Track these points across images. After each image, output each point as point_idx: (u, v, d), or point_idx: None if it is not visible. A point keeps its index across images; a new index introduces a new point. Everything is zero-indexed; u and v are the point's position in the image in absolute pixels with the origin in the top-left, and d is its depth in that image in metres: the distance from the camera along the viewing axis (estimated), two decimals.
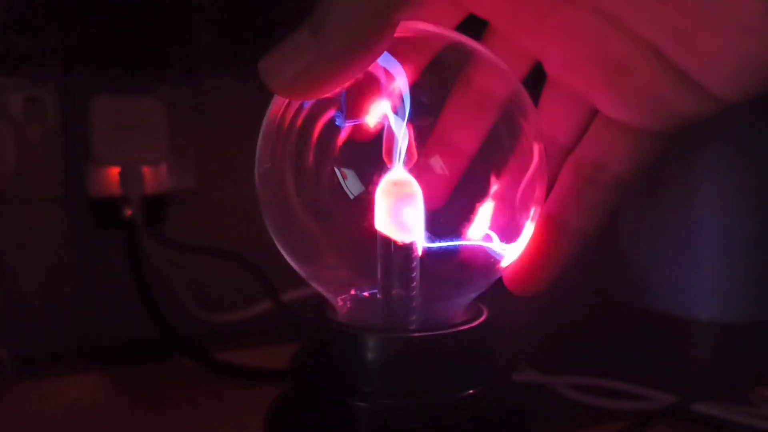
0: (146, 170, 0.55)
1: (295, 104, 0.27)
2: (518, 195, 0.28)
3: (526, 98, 0.28)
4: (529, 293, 0.28)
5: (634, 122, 0.27)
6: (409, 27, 0.26)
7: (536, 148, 0.28)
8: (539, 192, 0.28)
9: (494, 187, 0.27)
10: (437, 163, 0.27)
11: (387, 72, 0.25)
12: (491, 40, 0.29)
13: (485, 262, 0.28)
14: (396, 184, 0.26)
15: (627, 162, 0.28)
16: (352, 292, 0.29)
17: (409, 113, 0.25)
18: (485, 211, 0.27)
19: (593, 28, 0.26)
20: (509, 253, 0.28)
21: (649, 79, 0.26)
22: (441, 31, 0.28)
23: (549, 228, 0.28)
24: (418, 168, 0.26)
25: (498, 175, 0.28)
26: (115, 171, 0.55)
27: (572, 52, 0.27)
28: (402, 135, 0.26)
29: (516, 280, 0.28)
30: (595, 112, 0.28)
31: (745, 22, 0.23)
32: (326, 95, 0.25)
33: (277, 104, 0.27)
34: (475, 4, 0.28)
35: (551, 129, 0.29)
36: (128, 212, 0.55)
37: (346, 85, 0.24)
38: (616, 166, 0.28)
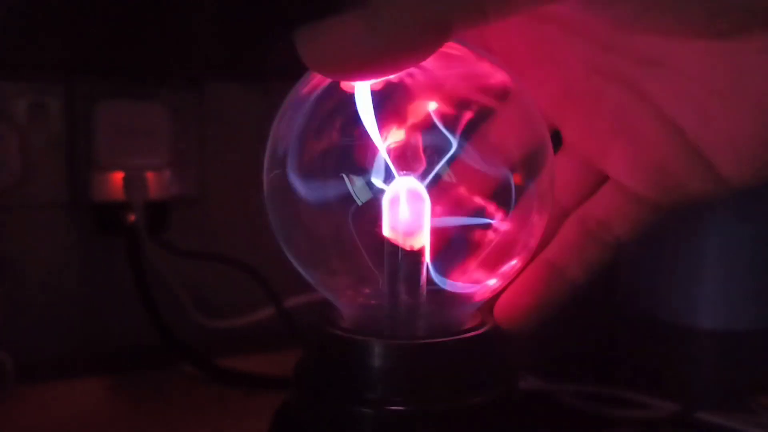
0: (149, 176, 0.55)
1: (304, 111, 0.27)
2: (516, 238, 0.28)
3: (547, 152, 0.28)
4: (516, 329, 0.29)
5: (644, 192, 0.28)
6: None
7: (544, 201, 0.28)
8: (535, 238, 0.28)
9: (496, 226, 0.28)
10: (445, 170, 0.27)
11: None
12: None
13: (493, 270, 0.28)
14: (403, 191, 0.26)
15: (629, 226, 0.29)
16: (359, 298, 0.29)
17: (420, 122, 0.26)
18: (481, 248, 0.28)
19: (617, 101, 0.27)
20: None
21: (665, 155, 0.26)
22: (481, 55, 0.28)
23: (546, 273, 0.29)
24: (427, 175, 0.26)
25: (502, 216, 0.28)
26: (118, 177, 0.55)
27: (593, 122, 0.28)
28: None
29: (506, 314, 0.29)
30: (602, 178, 0.29)
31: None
32: (353, 81, 0.24)
33: (285, 111, 0.27)
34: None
35: (558, 191, 0.29)
36: (131, 218, 0.54)
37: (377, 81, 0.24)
38: (619, 228, 0.29)
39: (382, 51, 0.22)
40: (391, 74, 0.24)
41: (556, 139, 0.30)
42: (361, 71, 0.23)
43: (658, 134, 0.26)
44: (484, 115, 0.28)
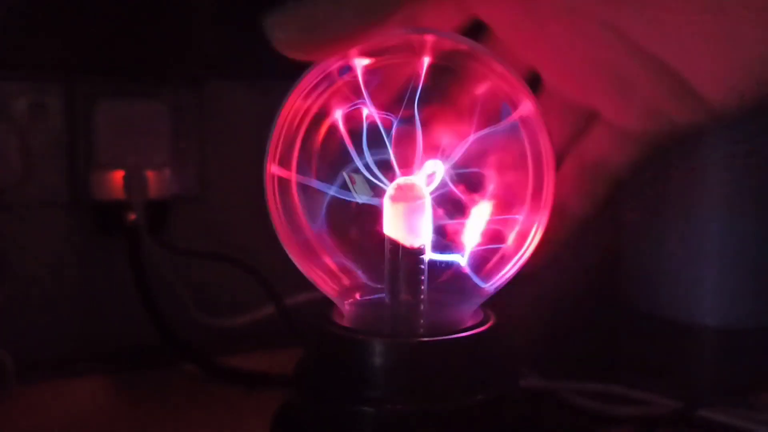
0: (149, 175, 0.55)
1: (304, 109, 0.27)
2: (524, 199, 0.28)
3: (531, 104, 0.28)
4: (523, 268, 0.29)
5: (634, 129, 0.28)
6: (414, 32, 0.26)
7: (543, 152, 0.28)
8: (546, 198, 0.28)
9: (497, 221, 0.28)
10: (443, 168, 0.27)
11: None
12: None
13: (493, 266, 0.28)
14: (403, 188, 0.26)
15: (623, 162, 0.30)
16: (360, 297, 0.29)
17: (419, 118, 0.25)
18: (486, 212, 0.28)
19: (596, 39, 0.27)
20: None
21: (651, 90, 0.27)
22: (448, 36, 0.28)
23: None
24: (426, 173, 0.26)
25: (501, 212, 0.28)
26: (118, 175, 0.55)
27: (573, 62, 0.28)
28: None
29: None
30: (587, 114, 0.29)
31: (748, 46, 0.24)
32: (324, 58, 0.26)
33: (286, 110, 0.27)
34: (479, 6, 0.28)
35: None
36: (131, 217, 0.54)
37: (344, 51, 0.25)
38: (614, 165, 0.30)
39: (346, 26, 0.24)
40: (355, 45, 0.25)
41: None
42: (329, 45, 0.25)
43: (641, 70, 0.26)
44: (481, 113, 0.28)
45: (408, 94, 0.27)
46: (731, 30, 0.24)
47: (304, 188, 0.27)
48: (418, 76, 0.27)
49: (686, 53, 0.25)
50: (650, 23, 0.25)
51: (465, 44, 0.27)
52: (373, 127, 0.26)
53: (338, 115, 0.27)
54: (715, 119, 0.27)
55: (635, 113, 0.28)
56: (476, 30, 0.29)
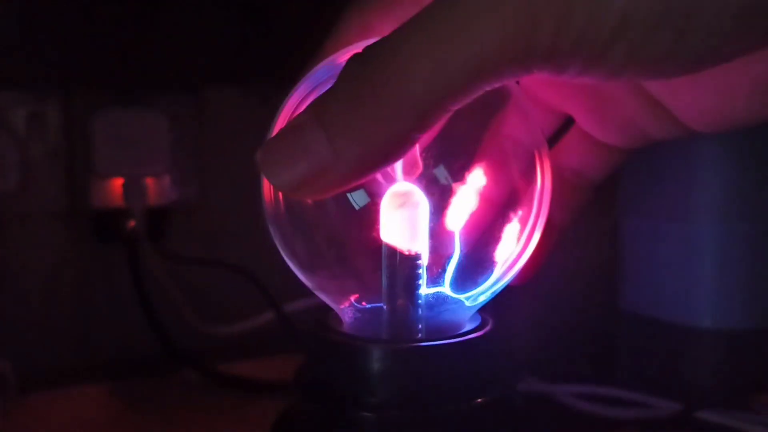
0: (149, 183, 0.55)
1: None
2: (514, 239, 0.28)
3: (544, 153, 0.28)
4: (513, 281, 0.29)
5: (611, 142, 0.29)
6: None
7: (545, 194, 0.28)
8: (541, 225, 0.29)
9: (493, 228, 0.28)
10: (442, 173, 0.27)
11: None
12: None
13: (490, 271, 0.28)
14: (401, 194, 0.26)
15: (600, 169, 0.30)
16: (358, 302, 0.29)
17: None
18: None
19: None
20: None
21: (629, 110, 0.27)
22: None
23: None
24: (424, 178, 0.26)
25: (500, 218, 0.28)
26: (117, 184, 0.55)
27: (553, 85, 0.28)
28: None
29: None
30: (564, 116, 0.30)
31: (725, 82, 0.24)
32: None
33: (284, 116, 0.27)
34: None
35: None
36: (130, 224, 0.55)
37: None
38: (591, 172, 0.30)
39: (351, 173, 0.21)
40: (366, 180, 0.23)
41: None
42: (336, 189, 0.22)
43: (619, 91, 0.27)
44: (483, 116, 0.28)
45: None
46: (711, 78, 0.24)
47: None
48: None
49: (669, 87, 0.25)
50: None
51: None
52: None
53: None
54: (690, 135, 0.27)
55: (611, 127, 0.28)
56: None
